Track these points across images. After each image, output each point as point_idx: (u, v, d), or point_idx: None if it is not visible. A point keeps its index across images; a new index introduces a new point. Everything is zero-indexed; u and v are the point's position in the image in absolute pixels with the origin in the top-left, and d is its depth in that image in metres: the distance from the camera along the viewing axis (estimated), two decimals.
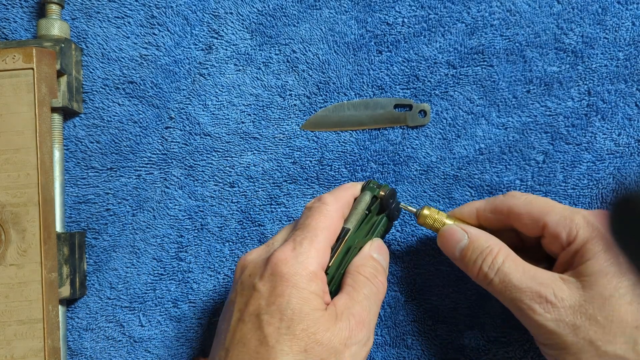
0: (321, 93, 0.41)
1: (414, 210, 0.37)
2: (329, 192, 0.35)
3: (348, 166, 0.41)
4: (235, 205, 0.41)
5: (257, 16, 0.41)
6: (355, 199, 0.36)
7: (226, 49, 0.41)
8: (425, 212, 0.36)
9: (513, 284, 0.32)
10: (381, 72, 0.41)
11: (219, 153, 0.41)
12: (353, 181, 0.41)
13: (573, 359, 0.31)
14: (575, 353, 0.30)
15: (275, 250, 0.32)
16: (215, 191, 0.41)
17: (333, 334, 0.30)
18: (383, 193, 0.36)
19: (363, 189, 0.36)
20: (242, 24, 0.41)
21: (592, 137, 0.40)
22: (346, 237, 0.34)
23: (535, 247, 0.36)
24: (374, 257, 0.35)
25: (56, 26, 0.40)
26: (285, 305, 0.30)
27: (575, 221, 0.32)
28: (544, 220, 0.33)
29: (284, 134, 0.41)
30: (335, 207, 0.34)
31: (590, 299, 0.30)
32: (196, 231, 0.41)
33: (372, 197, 0.36)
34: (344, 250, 0.34)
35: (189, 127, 0.41)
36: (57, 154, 0.40)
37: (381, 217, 0.36)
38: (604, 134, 0.40)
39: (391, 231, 0.40)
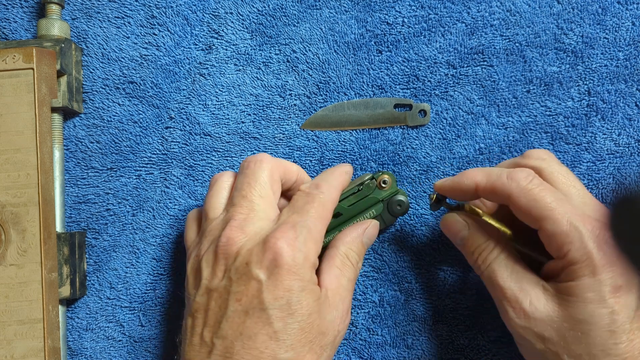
0: (321, 93, 0.41)
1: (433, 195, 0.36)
2: (324, 180, 0.35)
3: None
4: None
5: (257, 16, 0.41)
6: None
7: (226, 49, 0.41)
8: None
9: (497, 282, 0.33)
10: (381, 72, 0.41)
11: (219, 153, 0.41)
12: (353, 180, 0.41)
13: None
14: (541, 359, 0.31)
15: (274, 235, 0.31)
16: None
17: (331, 323, 0.32)
18: (383, 176, 0.38)
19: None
20: (242, 24, 0.41)
21: (592, 137, 0.40)
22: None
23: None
24: (364, 242, 0.36)
25: (56, 26, 0.40)
26: (294, 300, 0.30)
27: (570, 239, 0.30)
28: (540, 224, 0.31)
29: (284, 134, 0.41)
30: (331, 198, 0.35)
31: (564, 318, 0.30)
32: None
33: (371, 178, 0.38)
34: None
35: (189, 127, 0.41)
36: (57, 154, 0.40)
37: (377, 201, 0.38)
38: (604, 134, 0.40)
39: (391, 230, 0.40)
